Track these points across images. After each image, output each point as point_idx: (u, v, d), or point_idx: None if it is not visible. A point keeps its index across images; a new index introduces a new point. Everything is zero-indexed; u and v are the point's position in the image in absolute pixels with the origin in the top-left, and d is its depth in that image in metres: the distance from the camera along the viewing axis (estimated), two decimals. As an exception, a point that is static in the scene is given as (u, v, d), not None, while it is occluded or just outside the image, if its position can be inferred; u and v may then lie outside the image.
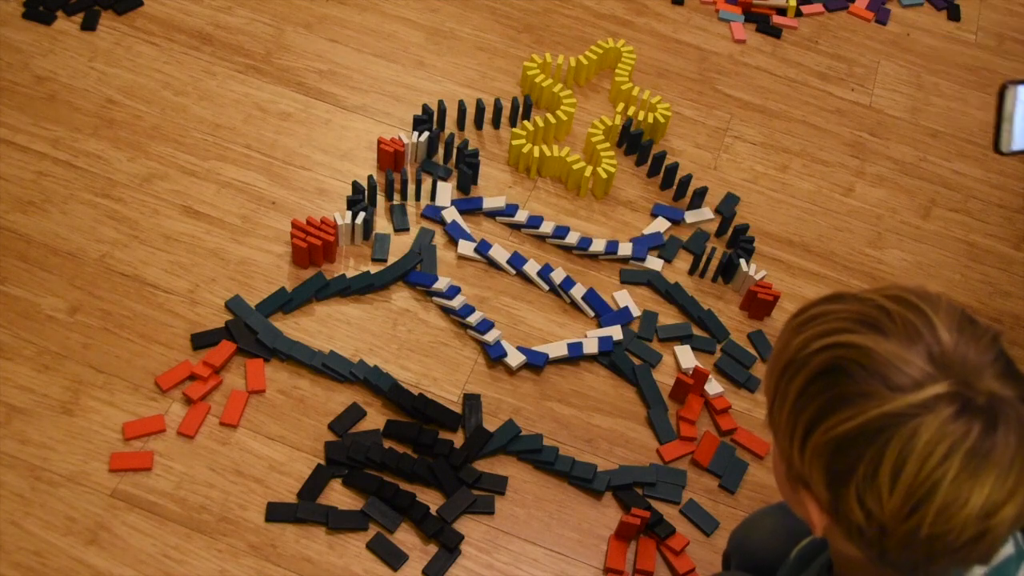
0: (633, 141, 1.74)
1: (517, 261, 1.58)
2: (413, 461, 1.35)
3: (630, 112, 1.77)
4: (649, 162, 1.74)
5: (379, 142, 1.66)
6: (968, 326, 0.72)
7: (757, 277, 1.59)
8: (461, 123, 1.76)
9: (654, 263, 1.62)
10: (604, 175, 1.67)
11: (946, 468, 0.68)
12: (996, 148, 1.08)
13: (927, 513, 0.69)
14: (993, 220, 1.79)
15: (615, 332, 1.52)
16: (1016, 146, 1.09)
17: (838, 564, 0.86)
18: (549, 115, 1.74)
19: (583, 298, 1.55)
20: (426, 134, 1.68)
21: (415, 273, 1.55)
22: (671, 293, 1.58)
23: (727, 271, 1.61)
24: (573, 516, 1.36)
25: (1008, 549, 0.81)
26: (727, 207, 1.71)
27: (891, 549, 0.72)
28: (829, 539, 0.84)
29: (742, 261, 1.60)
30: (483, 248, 1.59)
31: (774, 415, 0.77)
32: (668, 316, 1.57)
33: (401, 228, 1.61)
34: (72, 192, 1.58)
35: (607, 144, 1.71)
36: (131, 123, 1.68)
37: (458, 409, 1.43)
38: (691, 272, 1.62)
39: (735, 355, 1.53)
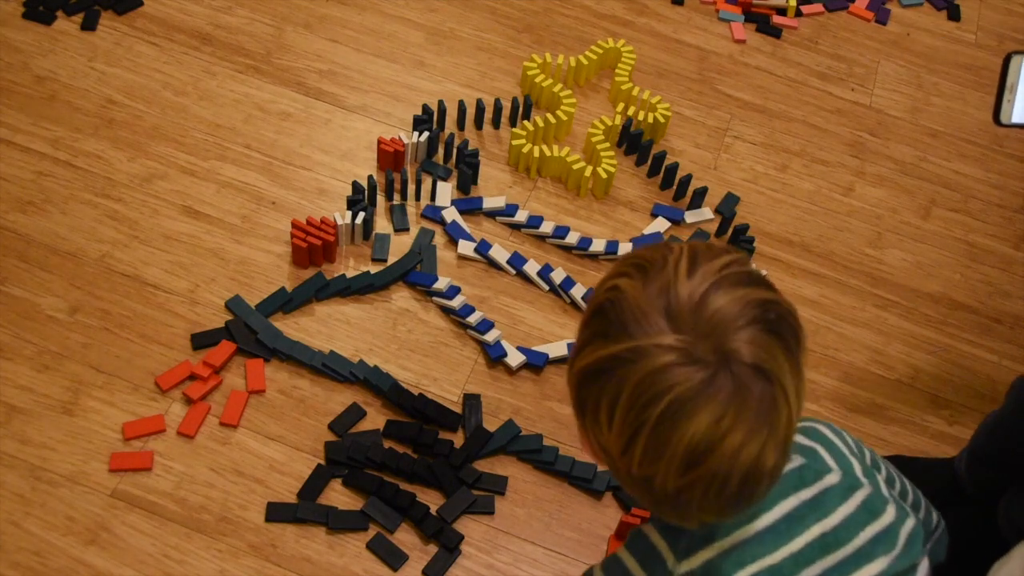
0: (633, 141, 1.75)
1: (517, 261, 1.58)
2: (413, 461, 1.35)
3: (630, 112, 1.77)
4: (649, 162, 1.74)
5: (379, 142, 1.66)
6: (726, 286, 0.72)
7: None
8: (461, 123, 1.76)
9: (654, 263, 1.62)
10: (604, 175, 1.67)
11: (649, 414, 0.70)
12: (996, 118, 1.08)
13: (635, 453, 0.72)
14: (993, 220, 1.79)
15: (615, 332, 1.52)
16: (1016, 118, 1.09)
17: None
18: (549, 115, 1.74)
19: (583, 298, 1.55)
20: (426, 134, 1.68)
21: (415, 273, 1.55)
22: (671, 293, 1.58)
23: None
24: (573, 516, 1.36)
25: (832, 478, 0.84)
26: (727, 207, 1.71)
27: (624, 483, 0.77)
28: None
29: None
30: (483, 248, 1.59)
31: (570, 356, 0.81)
32: (668, 316, 1.57)
33: (401, 228, 1.61)
34: (72, 192, 1.58)
35: (607, 144, 1.71)
36: (131, 123, 1.68)
37: (458, 409, 1.43)
38: None
39: (735, 355, 1.53)
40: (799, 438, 0.86)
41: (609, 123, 1.75)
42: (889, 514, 0.85)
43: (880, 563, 0.84)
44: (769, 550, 0.81)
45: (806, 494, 0.83)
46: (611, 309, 0.74)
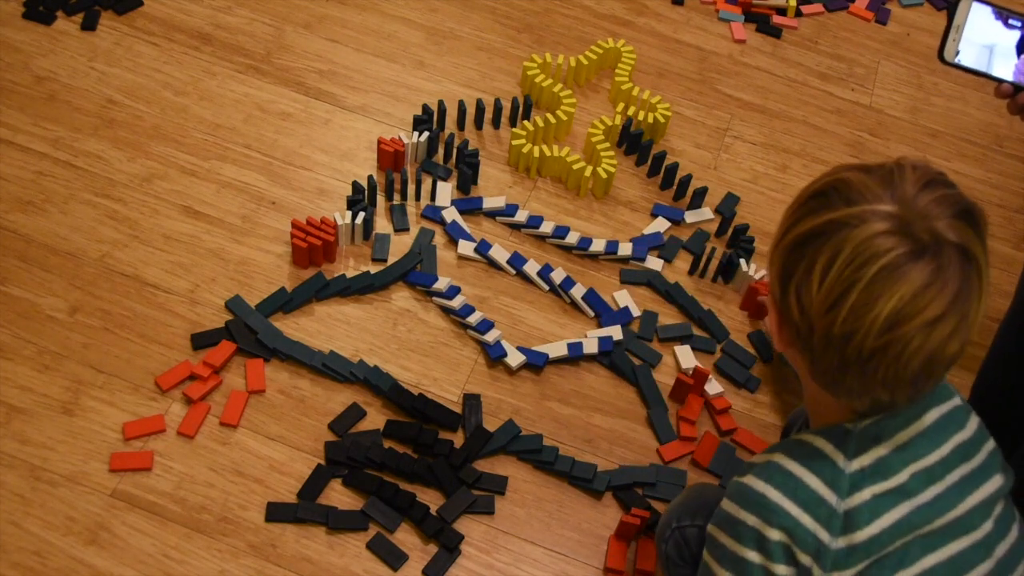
0: (633, 141, 1.75)
1: (517, 261, 1.58)
2: (413, 461, 1.35)
3: (630, 112, 1.77)
4: (649, 162, 1.74)
5: (379, 142, 1.66)
6: (937, 184, 0.82)
7: (757, 277, 1.59)
8: (461, 123, 1.76)
9: (654, 263, 1.62)
10: (604, 175, 1.67)
11: (863, 272, 0.79)
12: (940, 55, 1.12)
13: (842, 309, 0.80)
14: (993, 220, 1.79)
15: (615, 332, 1.52)
16: (960, 60, 1.12)
17: (807, 406, 0.99)
18: (549, 115, 1.74)
19: (583, 298, 1.55)
20: (426, 134, 1.68)
21: (415, 273, 1.55)
22: (671, 293, 1.58)
23: (727, 271, 1.61)
24: (573, 516, 1.36)
25: (955, 401, 0.94)
26: (727, 207, 1.71)
27: (816, 350, 0.84)
28: (792, 365, 0.98)
29: (742, 261, 1.60)
30: (483, 248, 1.59)
31: (775, 239, 0.89)
32: (668, 316, 1.57)
33: (401, 228, 1.61)
34: (72, 192, 1.58)
35: (607, 144, 1.71)
36: (131, 123, 1.68)
37: (458, 409, 1.43)
38: (691, 272, 1.62)
39: (735, 355, 1.53)
40: None
41: (609, 123, 1.75)
42: (991, 439, 0.96)
43: (998, 479, 0.94)
44: (925, 452, 0.90)
45: (944, 408, 0.93)
46: (833, 190, 0.83)
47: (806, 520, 0.88)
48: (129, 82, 1.74)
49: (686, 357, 1.51)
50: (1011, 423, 1.22)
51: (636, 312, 1.56)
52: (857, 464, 0.88)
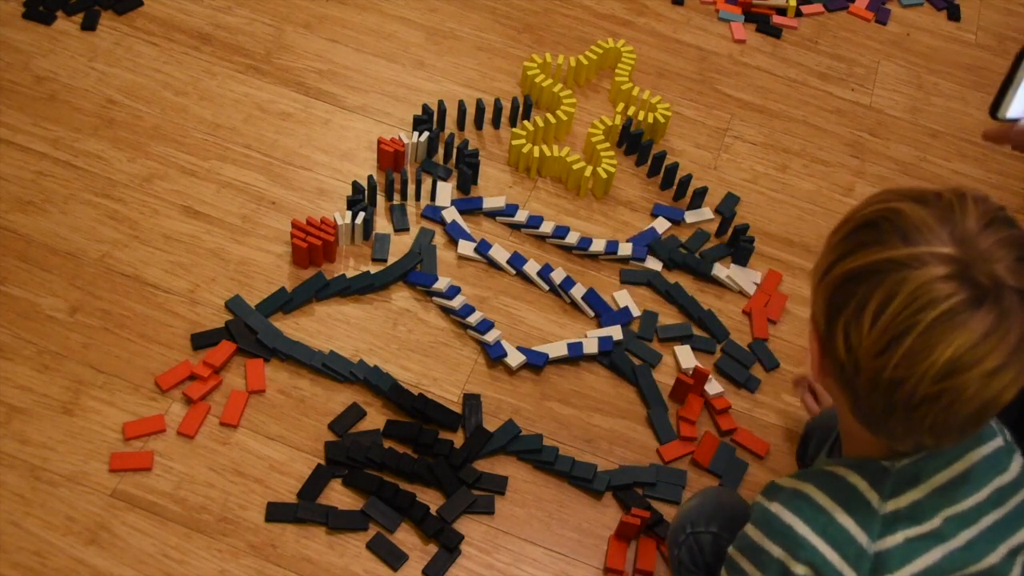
0: (633, 141, 1.75)
1: (517, 261, 1.58)
2: (413, 461, 1.35)
3: (630, 112, 1.77)
4: (649, 162, 1.74)
5: (379, 142, 1.66)
6: (1000, 223, 0.78)
7: (723, 275, 1.59)
8: (461, 123, 1.76)
9: (654, 263, 1.62)
10: (604, 175, 1.67)
11: (922, 317, 0.75)
12: (993, 112, 1.08)
13: (895, 354, 0.76)
14: (993, 220, 1.79)
15: (615, 332, 1.52)
16: (1012, 114, 1.08)
17: (841, 434, 0.96)
18: (549, 115, 1.74)
19: (583, 298, 1.55)
20: (426, 134, 1.68)
21: (415, 273, 1.55)
22: (671, 293, 1.59)
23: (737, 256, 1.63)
24: (573, 516, 1.36)
25: (997, 442, 0.91)
26: (727, 207, 1.71)
27: (861, 390, 0.80)
28: (828, 394, 0.94)
29: (717, 264, 1.61)
30: (483, 248, 1.59)
31: (817, 262, 0.86)
32: (668, 316, 1.57)
33: (401, 228, 1.61)
34: (72, 192, 1.58)
35: (607, 144, 1.71)
36: (131, 123, 1.68)
37: (458, 409, 1.43)
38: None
39: (735, 355, 1.53)
40: None
41: (609, 123, 1.75)
42: None
43: None
44: (962, 497, 0.87)
45: (986, 449, 0.90)
46: (887, 222, 0.79)
47: (834, 558, 0.86)
48: (129, 82, 1.74)
49: (686, 357, 1.51)
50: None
51: (636, 312, 1.56)
52: (892, 506, 0.86)
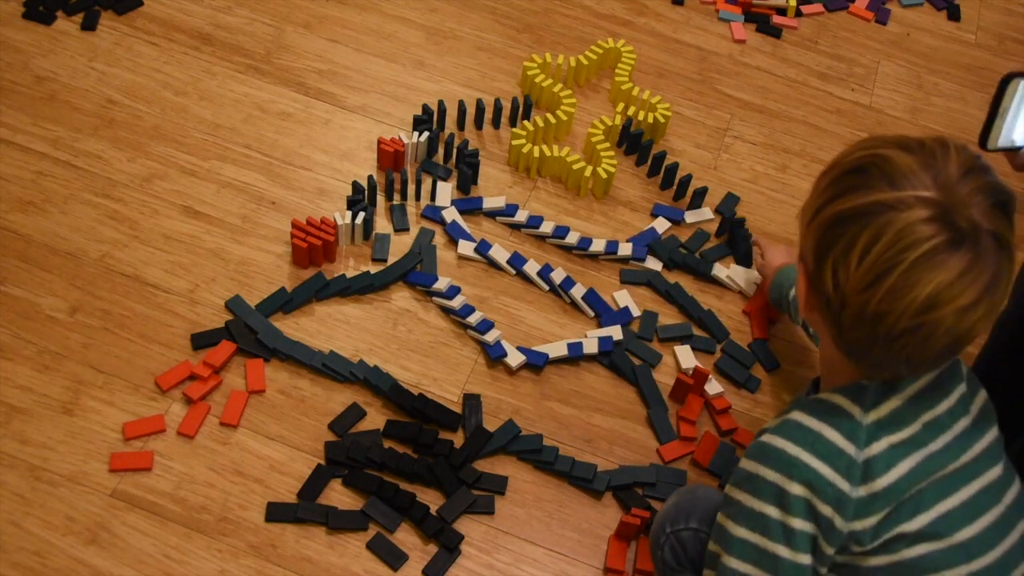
0: (633, 141, 1.74)
1: (517, 261, 1.58)
2: (413, 461, 1.35)
3: (630, 112, 1.77)
4: (649, 162, 1.74)
5: (379, 142, 1.66)
6: (978, 171, 0.85)
7: (724, 273, 1.60)
8: (461, 123, 1.76)
9: (654, 263, 1.62)
10: (604, 175, 1.67)
11: (904, 256, 0.81)
12: (982, 143, 1.07)
13: (879, 290, 0.82)
14: (993, 220, 1.79)
15: (615, 332, 1.52)
16: (1002, 143, 1.08)
17: (821, 370, 1.02)
18: (549, 115, 1.74)
19: (583, 298, 1.55)
20: (426, 134, 1.68)
21: (415, 273, 1.55)
22: (671, 293, 1.58)
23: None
24: (573, 516, 1.36)
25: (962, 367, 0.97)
26: (727, 207, 1.71)
27: (846, 324, 0.86)
28: (813, 328, 1.01)
29: (717, 264, 1.60)
30: (483, 248, 1.59)
31: (806, 203, 0.91)
32: (668, 316, 1.57)
33: (401, 228, 1.61)
34: (72, 192, 1.58)
35: (607, 144, 1.71)
36: (131, 123, 1.68)
37: (458, 409, 1.43)
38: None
39: (735, 355, 1.53)
40: None
41: (609, 123, 1.75)
42: (983, 390, 0.99)
43: (995, 428, 0.97)
44: (934, 403, 0.93)
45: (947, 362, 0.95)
46: (874, 167, 0.85)
47: (827, 471, 0.89)
48: (129, 82, 1.74)
49: (686, 357, 1.51)
50: (1008, 416, 1.22)
51: (636, 312, 1.56)
52: (874, 415, 0.91)
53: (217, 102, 1.73)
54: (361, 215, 1.55)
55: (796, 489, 0.90)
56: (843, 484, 0.89)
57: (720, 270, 1.62)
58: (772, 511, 0.92)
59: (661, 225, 1.67)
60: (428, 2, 1.95)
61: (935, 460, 0.91)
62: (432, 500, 1.34)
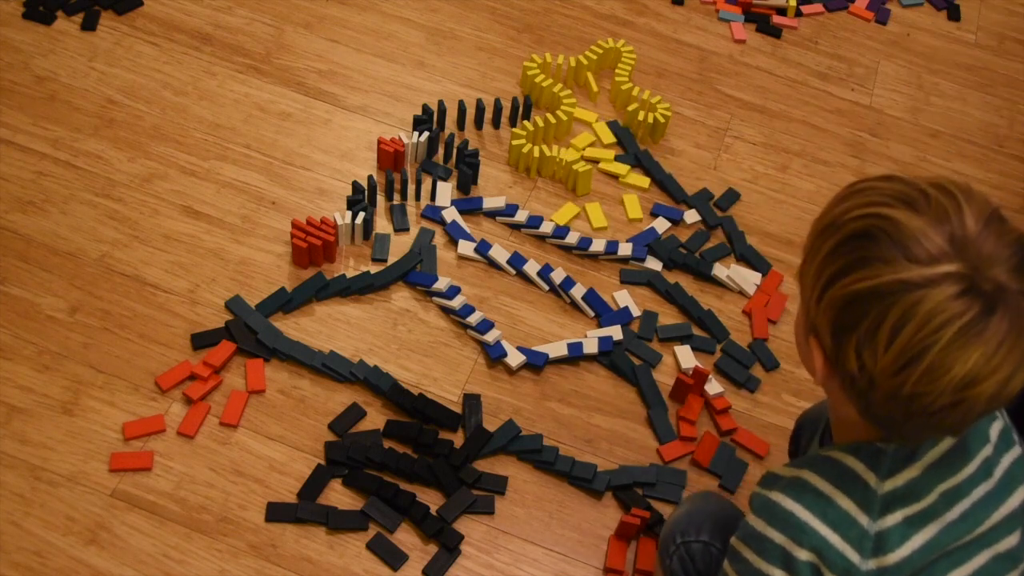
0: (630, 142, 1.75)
1: (517, 261, 1.58)
2: (413, 461, 1.35)
3: (630, 108, 1.78)
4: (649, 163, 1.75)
5: (379, 142, 1.66)
6: (995, 222, 0.79)
7: (726, 274, 1.60)
8: (461, 123, 1.76)
9: (654, 263, 1.62)
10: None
11: (939, 336, 0.76)
12: None
13: (913, 373, 0.77)
14: (993, 220, 1.79)
15: (615, 332, 1.52)
16: None
17: (833, 423, 0.98)
18: (549, 115, 1.74)
19: (583, 298, 1.55)
20: (426, 134, 1.68)
21: (415, 273, 1.55)
22: (671, 293, 1.58)
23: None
24: (573, 516, 1.36)
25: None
26: (726, 201, 1.71)
27: (876, 402, 0.81)
28: (827, 394, 0.94)
29: (717, 264, 1.60)
30: (483, 248, 1.59)
31: (804, 267, 0.86)
32: (668, 316, 1.57)
33: (401, 228, 1.61)
34: (72, 192, 1.58)
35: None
36: (131, 123, 1.68)
37: (458, 409, 1.43)
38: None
39: (735, 355, 1.53)
40: None
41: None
42: (1018, 447, 0.95)
43: (1020, 493, 0.92)
44: (955, 471, 0.89)
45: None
46: (883, 235, 0.78)
47: (836, 541, 0.87)
48: (129, 82, 1.74)
49: (686, 357, 1.51)
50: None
51: (636, 312, 1.56)
52: (890, 485, 0.87)
53: (217, 102, 1.73)
54: (361, 215, 1.55)
55: (804, 555, 0.87)
56: (853, 555, 0.86)
57: (720, 270, 1.62)
58: (779, 574, 0.89)
59: (661, 225, 1.67)
60: (428, 2, 1.95)
61: (950, 532, 0.87)
62: (432, 500, 1.34)
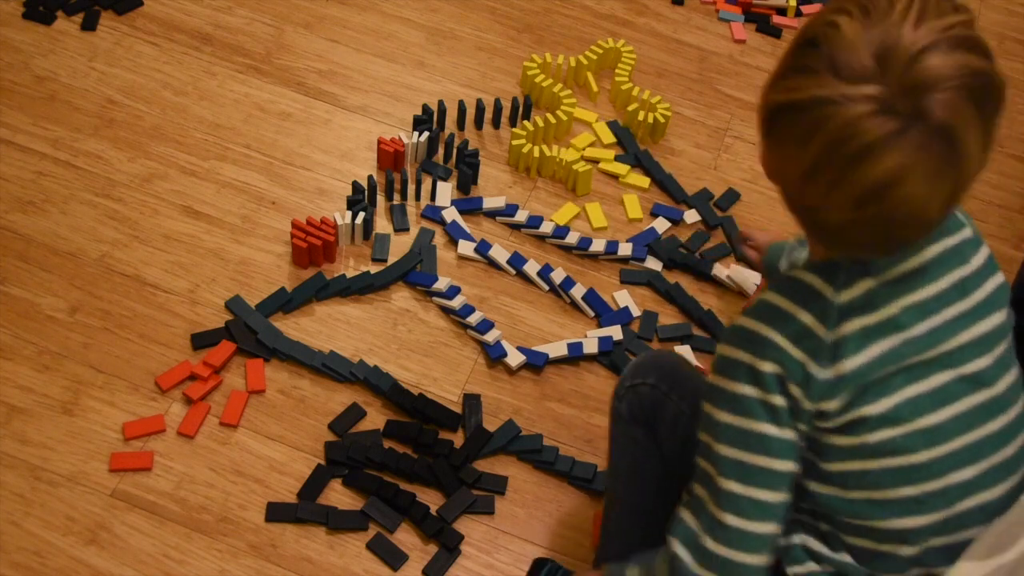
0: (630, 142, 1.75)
1: (517, 261, 1.58)
2: (413, 461, 1.35)
3: (630, 108, 1.78)
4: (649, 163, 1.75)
5: (379, 142, 1.66)
6: (947, 44, 0.77)
7: (725, 275, 1.60)
8: (461, 123, 1.76)
9: (654, 263, 1.62)
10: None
11: (840, 152, 0.78)
12: None
13: (814, 185, 0.81)
14: (993, 220, 1.79)
15: (615, 332, 1.52)
16: None
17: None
18: (549, 115, 1.74)
19: (583, 298, 1.55)
20: (426, 134, 1.68)
21: (415, 273, 1.55)
22: (671, 293, 1.59)
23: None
24: (573, 516, 1.36)
25: (964, 233, 0.93)
26: (726, 201, 1.71)
27: (800, 211, 0.86)
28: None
29: (717, 264, 1.60)
30: (483, 248, 1.59)
31: (770, 79, 0.88)
32: (668, 316, 1.57)
33: (401, 228, 1.61)
34: (72, 192, 1.58)
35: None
36: (131, 123, 1.68)
37: (458, 409, 1.43)
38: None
39: (735, 355, 1.53)
40: None
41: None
42: (1000, 272, 0.96)
43: (1000, 315, 0.93)
44: (918, 287, 0.90)
45: (949, 241, 0.92)
46: (824, 43, 0.80)
47: (795, 352, 0.89)
48: (129, 82, 1.74)
49: (686, 357, 1.51)
50: None
51: (636, 312, 1.56)
52: (846, 296, 0.89)
53: (217, 102, 1.73)
54: (361, 215, 1.55)
55: (768, 367, 0.89)
56: (811, 366, 0.88)
57: (720, 270, 1.62)
58: (749, 390, 0.91)
59: (661, 225, 1.67)
60: (428, 2, 1.95)
61: (912, 345, 0.89)
62: (432, 500, 1.34)
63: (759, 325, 0.91)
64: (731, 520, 0.91)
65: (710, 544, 0.92)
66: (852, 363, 0.88)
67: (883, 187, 0.78)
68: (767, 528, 0.92)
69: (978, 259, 0.94)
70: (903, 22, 0.78)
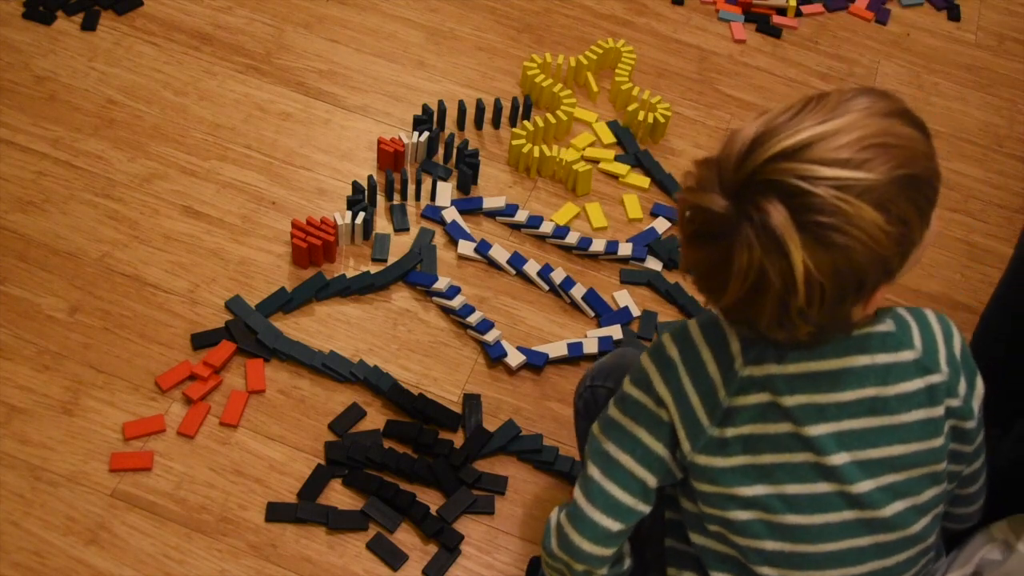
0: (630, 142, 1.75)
1: (517, 261, 1.58)
2: (413, 461, 1.35)
3: (630, 108, 1.78)
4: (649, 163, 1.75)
5: (379, 142, 1.66)
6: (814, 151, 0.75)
7: None
8: (461, 123, 1.76)
9: (654, 263, 1.62)
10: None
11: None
12: None
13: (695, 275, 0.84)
14: (993, 220, 1.79)
15: (615, 332, 1.52)
16: None
17: None
18: (549, 115, 1.74)
19: (583, 298, 1.55)
20: (426, 134, 1.68)
21: (415, 273, 1.55)
22: (671, 293, 1.59)
23: None
24: (573, 516, 1.36)
25: (909, 355, 0.89)
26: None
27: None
28: None
29: None
30: (483, 248, 1.59)
31: None
32: (668, 316, 1.57)
33: (401, 228, 1.61)
34: (72, 192, 1.58)
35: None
36: (131, 123, 1.68)
37: (458, 409, 1.43)
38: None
39: (735, 355, 1.53)
40: (902, 311, 0.92)
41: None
42: (939, 406, 0.90)
43: (917, 445, 0.90)
44: (821, 390, 0.89)
45: (881, 358, 0.89)
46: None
47: (695, 401, 0.91)
48: (129, 82, 1.74)
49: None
50: (1005, 397, 1.19)
51: (636, 312, 1.56)
52: (749, 372, 0.89)
53: (217, 102, 1.73)
54: (361, 215, 1.55)
55: (661, 389, 0.92)
56: (704, 419, 0.91)
57: None
58: (644, 399, 0.94)
59: (661, 225, 1.67)
60: (428, 2, 1.95)
61: (799, 442, 0.89)
62: (432, 500, 1.34)
63: (676, 353, 0.92)
64: (582, 503, 0.98)
65: (563, 519, 1.00)
66: (737, 431, 0.90)
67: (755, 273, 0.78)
68: (613, 525, 0.96)
69: (910, 385, 0.90)
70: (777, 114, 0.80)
